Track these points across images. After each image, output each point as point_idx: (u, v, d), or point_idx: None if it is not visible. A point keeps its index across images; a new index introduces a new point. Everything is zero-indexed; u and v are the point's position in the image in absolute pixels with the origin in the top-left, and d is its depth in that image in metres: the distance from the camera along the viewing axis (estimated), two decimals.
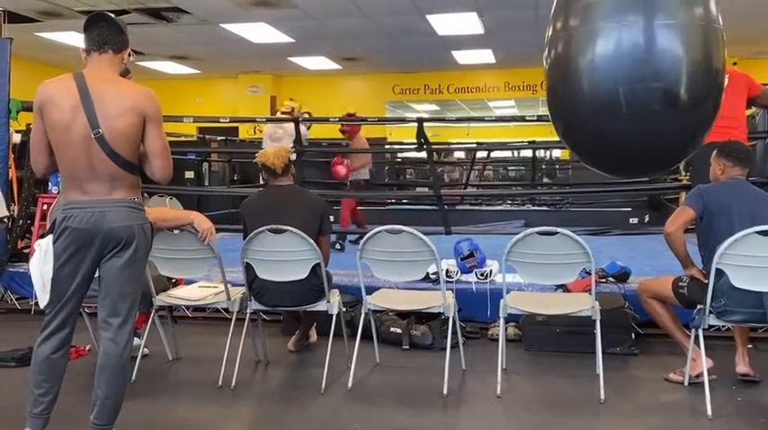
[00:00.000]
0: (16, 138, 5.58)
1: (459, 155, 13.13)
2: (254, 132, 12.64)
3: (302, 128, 7.17)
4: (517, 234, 3.43)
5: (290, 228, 3.45)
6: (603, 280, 4.46)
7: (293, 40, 10.58)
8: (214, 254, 3.53)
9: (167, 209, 4.66)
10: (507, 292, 3.60)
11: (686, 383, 3.48)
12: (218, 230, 3.57)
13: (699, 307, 3.29)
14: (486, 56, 11.92)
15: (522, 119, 13.83)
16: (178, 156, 6.80)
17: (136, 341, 3.33)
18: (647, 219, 9.22)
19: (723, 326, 3.80)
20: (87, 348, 4.01)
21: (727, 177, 3.49)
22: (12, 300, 5.20)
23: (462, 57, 12.07)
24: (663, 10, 2.47)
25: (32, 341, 2.63)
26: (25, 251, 5.37)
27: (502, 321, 3.56)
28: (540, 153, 11.82)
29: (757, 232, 3.08)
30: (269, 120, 7.34)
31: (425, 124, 6.15)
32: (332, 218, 4.59)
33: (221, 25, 9.60)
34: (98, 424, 2.53)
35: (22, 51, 8.53)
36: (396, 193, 11.35)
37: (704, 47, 2.53)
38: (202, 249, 3.51)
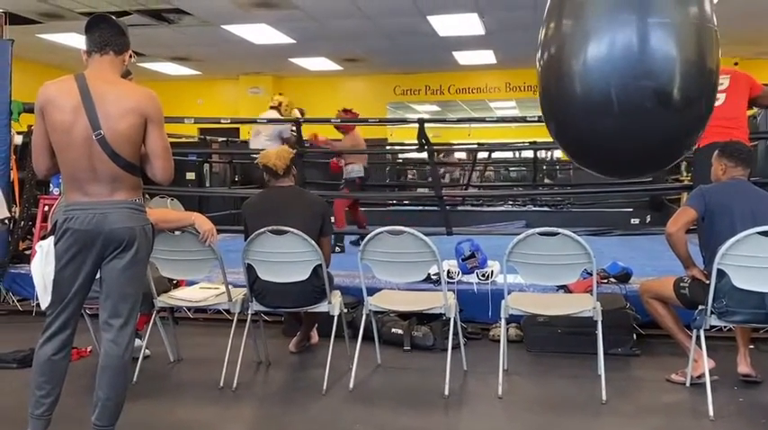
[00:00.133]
0: (18, 139, 5.59)
1: (461, 155, 13.09)
2: None
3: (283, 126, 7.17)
4: (518, 234, 3.43)
5: (291, 229, 3.45)
6: (605, 280, 4.46)
7: (294, 41, 10.59)
8: (215, 255, 3.53)
9: (168, 210, 4.66)
10: (508, 293, 3.60)
11: (688, 384, 3.47)
12: (219, 231, 3.57)
13: (700, 307, 3.29)
14: (486, 56, 11.93)
15: (524, 119, 13.67)
16: (179, 157, 6.78)
17: (137, 342, 3.32)
18: (648, 219, 9.20)
19: (724, 327, 3.79)
20: (89, 349, 4.01)
21: (729, 178, 3.49)
22: (13, 301, 5.20)
23: (463, 57, 12.08)
24: (656, 9, 2.46)
25: (34, 342, 2.63)
26: (27, 252, 5.38)
27: (503, 322, 3.55)
28: (542, 154, 11.81)
29: (759, 233, 3.07)
30: (270, 121, 7.31)
31: (426, 125, 6.14)
32: (332, 219, 4.58)
33: (222, 26, 9.61)
34: (99, 425, 2.54)
35: (23, 53, 8.54)
36: (397, 194, 11.31)
37: (698, 46, 2.52)
38: (204, 250, 3.51)
